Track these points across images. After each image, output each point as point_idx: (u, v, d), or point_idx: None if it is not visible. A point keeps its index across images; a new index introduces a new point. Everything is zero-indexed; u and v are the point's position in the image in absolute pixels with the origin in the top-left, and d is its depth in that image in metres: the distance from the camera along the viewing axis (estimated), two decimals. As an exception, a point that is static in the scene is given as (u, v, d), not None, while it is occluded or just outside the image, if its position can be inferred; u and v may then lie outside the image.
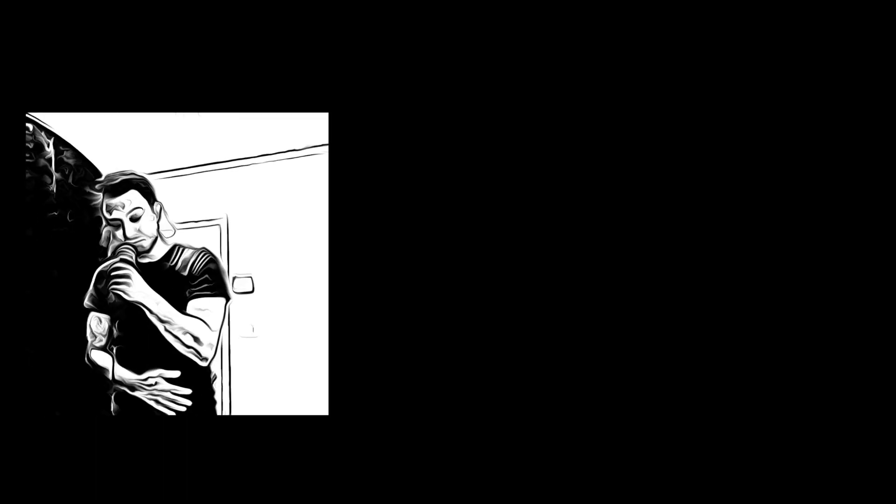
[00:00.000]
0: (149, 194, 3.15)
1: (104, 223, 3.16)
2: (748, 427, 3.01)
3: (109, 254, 3.13)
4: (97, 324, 3.13)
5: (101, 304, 3.13)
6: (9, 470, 2.98)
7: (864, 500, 2.96)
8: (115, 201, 3.10)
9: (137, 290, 3.03)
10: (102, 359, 3.12)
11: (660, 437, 3.02)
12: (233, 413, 3.29)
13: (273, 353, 3.27)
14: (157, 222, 3.15)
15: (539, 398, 3.04)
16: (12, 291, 3.04)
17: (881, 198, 3.00)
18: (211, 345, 3.08)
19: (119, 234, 3.10)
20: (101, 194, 3.10)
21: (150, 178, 3.18)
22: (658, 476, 3.01)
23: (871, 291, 2.99)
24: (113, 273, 3.03)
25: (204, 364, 3.09)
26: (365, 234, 3.07)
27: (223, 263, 3.19)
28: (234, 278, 3.28)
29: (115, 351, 3.08)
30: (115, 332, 3.09)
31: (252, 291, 3.28)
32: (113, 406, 3.11)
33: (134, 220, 3.09)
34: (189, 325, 3.05)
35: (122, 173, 3.14)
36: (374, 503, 3.02)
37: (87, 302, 3.16)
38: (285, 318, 3.25)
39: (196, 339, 3.06)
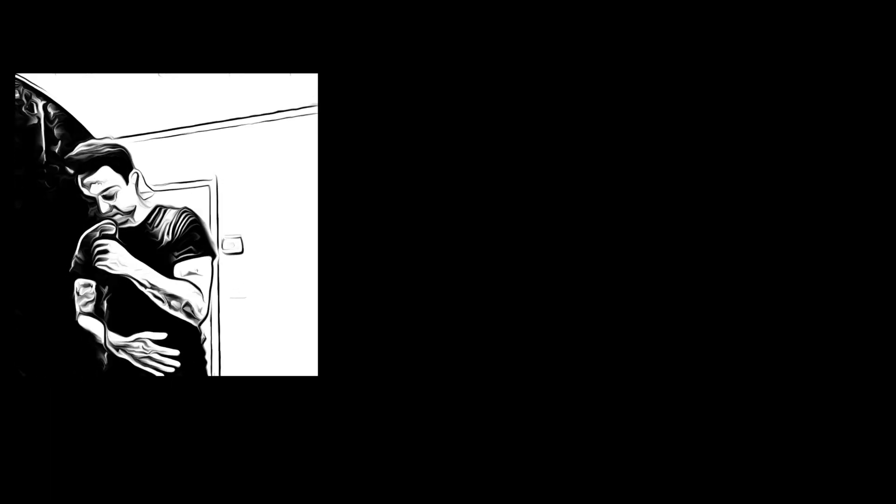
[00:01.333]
0: (123, 166, 3.09)
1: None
2: (748, 427, 3.02)
3: (100, 209, 3.13)
4: (84, 288, 3.13)
5: (86, 269, 3.12)
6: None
7: (864, 500, 2.97)
8: (87, 180, 3.05)
9: (120, 262, 3.00)
10: (90, 323, 3.11)
11: (659, 437, 3.03)
12: (222, 374, 3.29)
13: (262, 314, 3.27)
14: (135, 195, 3.11)
15: (526, 352, 3.05)
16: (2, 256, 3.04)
17: (881, 198, 2.99)
18: (201, 307, 3.07)
19: (94, 210, 3.07)
20: (74, 170, 3.05)
21: (127, 143, 3.13)
22: (658, 476, 3.02)
23: (871, 291, 2.99)
24: (94, 249, 3.01)
25: (196, 324, 3.09)
26: (355, 194, 3.06)
27: (206, 221, 3.17)
28: (223, 239, 3.28)
29: (104, 315, 3.08)
30: (103, 295, 3.08)
31: (241, 252, 3.28)
32: (104, 366, 3.11)
33: (108, 198, 3.05)
34: (178, 290, 3.04)
35: (93, 149, 3.06)
36: (363, 464, 3.03)
37: (73, 267, 3.15)
38: (275, 279, 3.25)
39: (186, 304, 3.05)
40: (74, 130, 3.38)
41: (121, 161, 3.09)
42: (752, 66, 3.04)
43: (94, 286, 3.11)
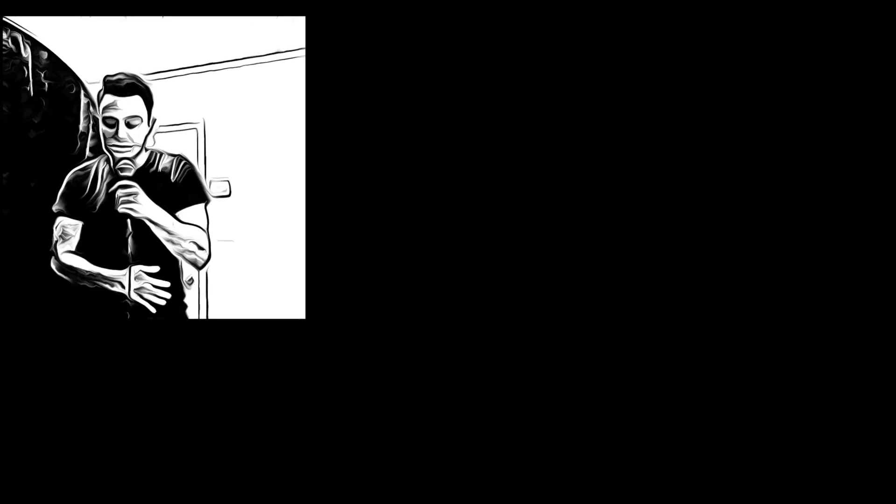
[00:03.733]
0: (149, 105, 3.13)
1: (90, 122, 3.16)
2: (748, 427, 3.03)
3: (86, 154, 3.13)
4: (73, 229, 3.13)
5: (71, 209, 3.12)
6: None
7: (864, 500, 2.99)
8: (117, 100, 3.07)
9: (146, 206, 3.04)
10: (75, 260, 3.12)
11: (659, 437, 3.04)
12: (209, 317, 3.30)
13: (250, 257, 3.28)
14: (148, 135, 3.13)
15: (511, 292, 3.06)
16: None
17: (881, 198, 2.99)
18: (205, 254, 3.11)
19: (109, 133, 3.07)
20: (102, 91, 3.07)
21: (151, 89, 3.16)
22: (657, 476, 3.04)
23: (871, 291, 3.00)
24: (122, 191, 3.03)
25: (200, 267, 3.11)
26: (342, 138, 3.06)
27: (199, 168, 3.18)
28: (210, 182, 3.28)
29: (129, 253, 3.09)
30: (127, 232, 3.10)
31: (229, 195, 3.28)
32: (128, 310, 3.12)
33: (129, 126, 3.07)
34: (192, 234, 3.07)
35: (133, 77, 3.10)
36: (350, 407, 3.05)
37: (56, 206, 3.14)
38: (262, 222, 3.25)
39: (199, 247, 3.08)
40: (62, 73, 3.37)
41: (150, 99, 3.12)
42: (753, 66, 3.03)
43: (78, 226, 3.12)
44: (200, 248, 3.08)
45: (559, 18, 3.05)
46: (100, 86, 3.08)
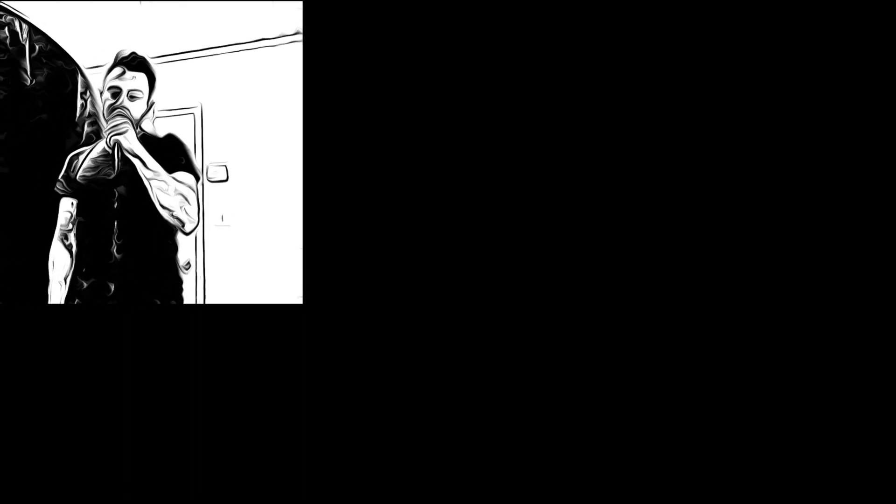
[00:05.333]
0: (151, 87, 3.19)
1: (87, 107, 3.17)
2: (748, 427, 3.03)
3: (82, 139, 3.14)
4: (74, 208, 3.16)
5: (70, 188, 3.14)
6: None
7: (864, 500, 2.99)
8: (126, 72, 3.14)
9: (133, 141, 3.08)
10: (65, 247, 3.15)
11: (659, 437, 3.04)
12: (207, 302, 3.30)
13: (247, 242, 3.28)
14: (143, 115, 3.15)
15: (510, 278, 3.06)
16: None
17: (881, 198, 2.99)
18: (193, 213, 3.12)
19: (110, 101, 3.11)
20: (112, 63, 3.11)
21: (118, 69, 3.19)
22: (657, 476, 3.04)
23: (872, 291, 3.00)
24: (113, 120, 3.07)
25: (187, 231, 3.12)
26: (340, 122, 3.05)
27: (189, 148, 3.20)
28: (208, 166, 3.28)
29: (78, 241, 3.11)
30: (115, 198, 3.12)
31: (226, 180, 3.28)
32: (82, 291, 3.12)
33: (131, 98, 3.12)
34: (178, 187, 3.10)
35: (143, 57, 3.18)
36: (347, 392, 3.05)
37: (57, 187, 3.16)
38: (260, 207, 3.25)
39: (185, 199, 3.09)
40: (60, 58, 3.37)
41: (153, 81, 3.19)
42: (753, 66, 3.03)
43: (74, 205, 3.14)
44: (186, 200, 3.10)
45: (558, 6, 3.05)
46: (99, 71, 3.12)
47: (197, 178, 3.16)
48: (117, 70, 3.15)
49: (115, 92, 3.12)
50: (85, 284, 3.12)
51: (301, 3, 3.06)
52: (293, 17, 3.09)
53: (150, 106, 3.15)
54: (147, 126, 3.16)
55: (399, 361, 3.06)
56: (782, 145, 3.02)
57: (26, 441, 3.01)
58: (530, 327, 3.06)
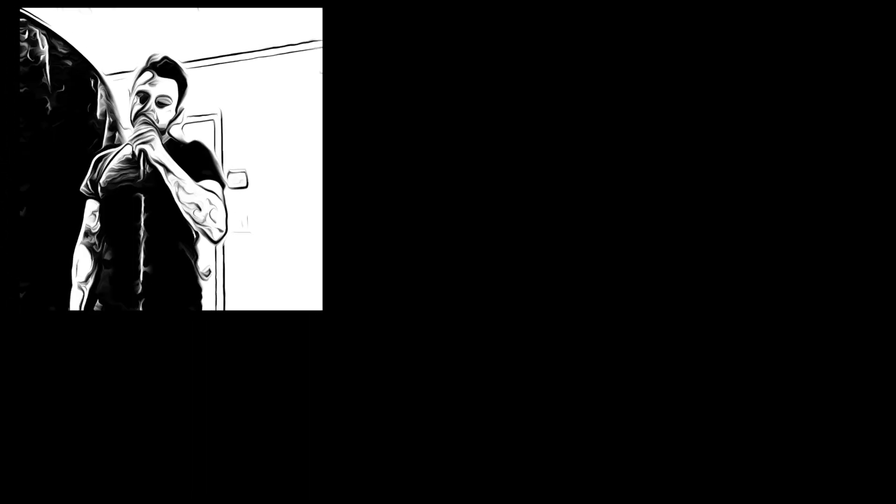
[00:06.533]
0: (182, 93, 3.17)
1: (107, 115, 3.17)
2: (748, 427, 3.02)
3: (102, 145, 3.14)
4: (94, 209, 3.17)
5: (95, 190, 3.15)
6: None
7: (864, 500, 2.98)
8: (155, 77, 3.12)
9: (159, 150, 3.07)
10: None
11: (659, 438, 3.04)
12: (226, 308, 3.31)
13: (267, 249, 3.28)
14: (171, 122, 3.16)
15: (532, 308, 3.06)
16: (11, 184, 3.04)
17: (881, 198, 2.98)
18: (220, 223, 3.11)
19: (139, 106, 3.10)
20: (143, 67, 3.10)
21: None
22: (657, 476, 3.03)
23: (872, 291, 2.98)
24: (138, 128, 3.07)
25: (216, 240, 3.12)
26: (360, 129, 3.05)
27: (216, 156, 3.20)
28: (228, 173, 3.28)
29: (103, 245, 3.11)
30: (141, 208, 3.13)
31: (246, 187, 3.29)
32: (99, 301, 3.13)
33: (159, 104, 3.11)
34: (207, 194, 3.09)
35: (175, 62, 3.15)
36: (368, 399, 3.05)
37: (83, 188, 3.17)
38: (279, 214, 3.25)
39: (213, 207, 3.09)
40: (80, 65, 3.38)
41: (184, 87, 3.17)
42: (753, 66, 3.02)
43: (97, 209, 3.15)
44: (215, 209, 3.09)
45: (577, 16, 3.04)
46: (121, 78, 3.12)
47: (223, 186, 3.15)
48: (147, 74, 3.11)
49: (144, 97, 3.09)
50: (106, 289, 3.12)
51: (321, 9, 3.07)
52: (313, 23, 3.09)
53: (178, 112, 3.14)
54: (175, 132, 3.16)
55: (420, 367, 3.06)
56: (782, 145, 3.02)
57: (47, 446, 3.02)
58: (557, 337, 3.06)
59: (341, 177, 3.05)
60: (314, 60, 3.06)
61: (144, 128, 3.06)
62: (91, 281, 3.14)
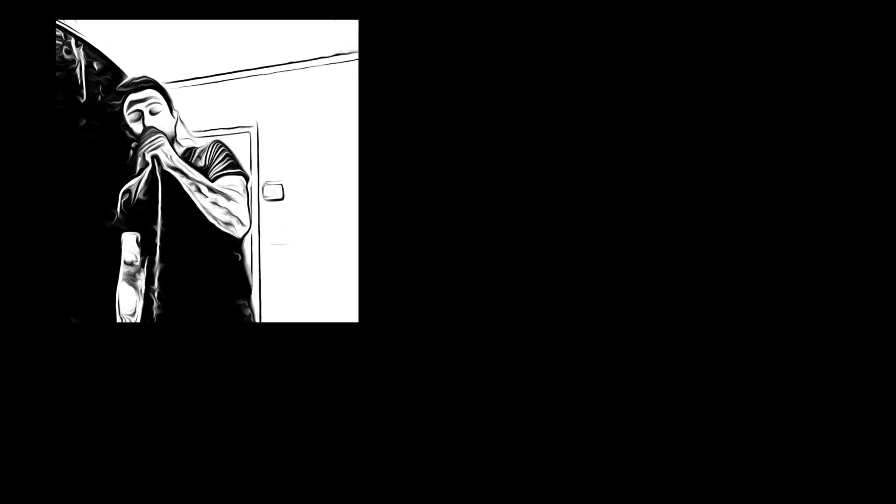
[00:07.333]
0: (167, 97, 3.24)
1: (129, 132, 3.20)
2: (748, 427, 3.00)
3: (137, 168, 3.17)
4: (130, 242, 3.19)
5: (128, 221, 3.18)
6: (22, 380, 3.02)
7: (864, 500, 2.96)
8: (135, 96, 3.20)
9: (170, 153, 3.11)
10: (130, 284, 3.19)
11: (659, 438, 3.02)
12: (263, 320, 3.30)
13: (303, 261, 3.27)
14: (175, 126, 3.19)
15: (571, 301, 3.05)
16: (41, 204, 3.05)
17: (881, 198, 2.96)
18: (243, 216, 3.14)
19: (137, 127, 3.15)
20: (123, 96, 3.16)
21: (168, 88, 3.26)
22: (658, 476, 3.02)
23: (872, 291, 2.96)
24: (148, 137, 3.10)
25: (239, 236, 3.14)
26: (396, 141, 3.05)
27: (231, 150, 3.25)
28: (264, 185, 3.28)
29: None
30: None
31: (282, 199, 3.28)
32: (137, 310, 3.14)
33: (153, 113, 3.16)
34: (222, 190, 3.12)
35: (143, 76, 3.24)
36: (403, 410, 3.04)
37: (115, 221, 3.21)
38: (316, 226, 3.24)
39: (233, 203, 3.12)
40: (114, 77, 3.38)
41: (165, 92, 3.25)
42: (753, 66, 3.00)
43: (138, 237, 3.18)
44: (231, 200, 3.12)
45: (608, 16, 3.03)
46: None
47: (247, 179, 3.20)
48: (128, 99, 3.19)
49: (136, 117, 3.17)
50: (154, 311, 3.16)
51: (357, 21, 3.07)
52: (349, 35, 3.09)
53: (176, 119, 3.21)
54: (181, 133, 3.20)
55: (455, 380, 3.05)
56: (782, 145, 3.00)
57: (85, 455, 3.02)
58: (595, 351, 3.04)
59: (377, 189, 3.04)
60: (351, 72, 3.06)
61: (153, 135, 3.11)
62: (140, 311, 3.18)
